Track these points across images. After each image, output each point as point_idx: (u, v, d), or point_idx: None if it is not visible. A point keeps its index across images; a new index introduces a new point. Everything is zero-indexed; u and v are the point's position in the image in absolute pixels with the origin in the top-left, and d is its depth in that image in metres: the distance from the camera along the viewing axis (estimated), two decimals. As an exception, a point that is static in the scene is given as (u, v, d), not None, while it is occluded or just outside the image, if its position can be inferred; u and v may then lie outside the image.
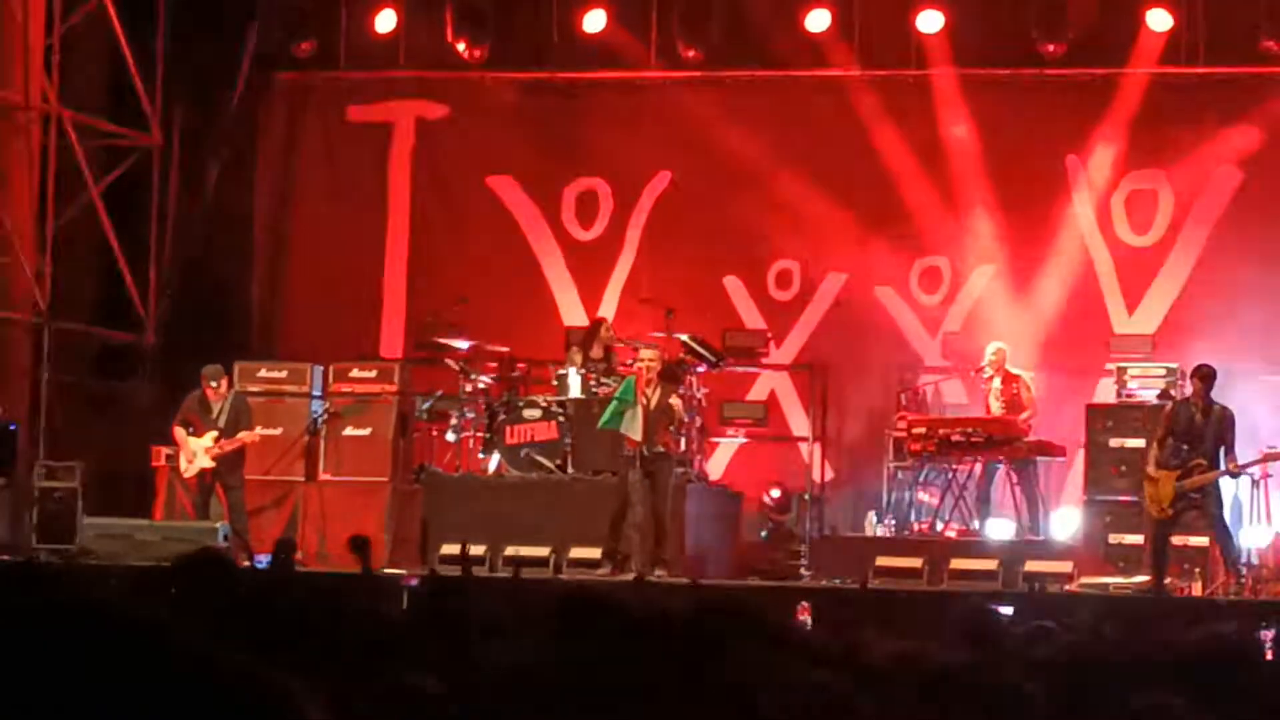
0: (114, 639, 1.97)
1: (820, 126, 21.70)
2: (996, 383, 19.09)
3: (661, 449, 17.78)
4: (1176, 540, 17.18)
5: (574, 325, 21.22)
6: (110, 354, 21.80)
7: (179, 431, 19.10)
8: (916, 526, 19.33)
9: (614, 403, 17.83)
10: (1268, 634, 13.21)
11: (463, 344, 19.89)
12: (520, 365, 20.42)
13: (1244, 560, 17.23)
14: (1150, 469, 16.93)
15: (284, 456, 20.26)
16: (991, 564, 17.70)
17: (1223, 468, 16.70)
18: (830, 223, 21.55)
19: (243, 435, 19.01)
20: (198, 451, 18.94)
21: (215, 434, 18.96)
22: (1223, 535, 16.82)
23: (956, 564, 17.81)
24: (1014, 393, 19.03)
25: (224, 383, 19.23)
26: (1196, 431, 16.64)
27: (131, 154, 21.79)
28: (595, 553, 17.95)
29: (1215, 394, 16.93)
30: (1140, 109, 21.01)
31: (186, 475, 19.14)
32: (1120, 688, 4.50)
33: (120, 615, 2.00)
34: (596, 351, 19.66)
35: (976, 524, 19.00)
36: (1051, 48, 20.96)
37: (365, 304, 22.54)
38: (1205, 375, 16.84)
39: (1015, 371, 19.15)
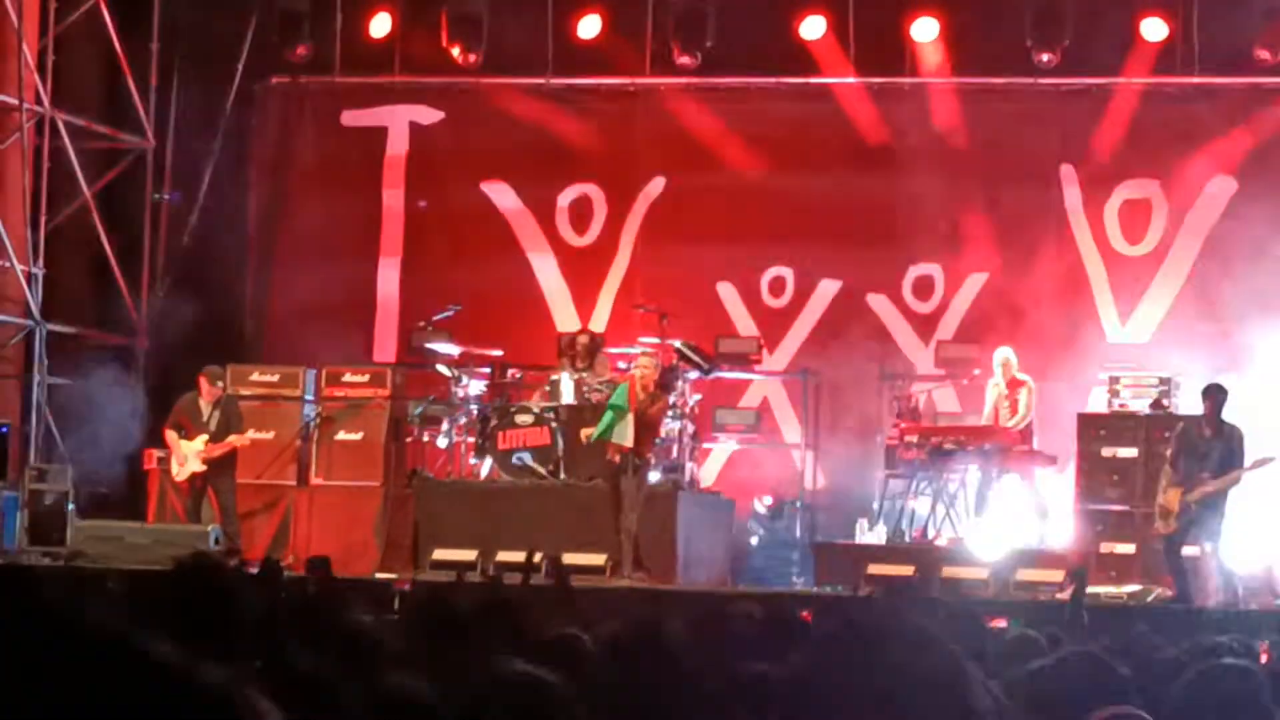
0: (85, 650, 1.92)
1: (814, 133, 21.70)
2: (1002, 387, 19.07)
3: (645, 458, 17.74)
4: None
5: (567, 331, 21.19)
6: (102, 356, 21.75)
7: (170, 435, 19.08)
8: (908, 534, 19.30)
9: (608, 413, 17.72)
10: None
11: (455, 349, 19.87)
12: (513, 370, 20.38)
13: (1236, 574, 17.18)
14: (1159, 491, 16.88)
15: (276, 460, 20.22)
16: (983, 572, 17.69)
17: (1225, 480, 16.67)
18: (823, 230, 21.56)
19: (232, 439, 19.00)
20: (189, 455, 18.92)
21: (206, 437, 18.94)
22: (1216, 549, 16.80)
23: (949, 572, 17.79)
24: (1016, 399, 19.02)
25: (220, 384, 19.26)
26: (1204, 449, 16.62)
27: (125, 156, 21.77)
28: (593, 559, 17.90)
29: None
30: (1134, 118, 21.04)
31: (178, 478, 19.11)
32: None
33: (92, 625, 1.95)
34: (596, 367, 19.58)
35: (972, 521, 18.94)
36: (1046, 56, 20.98)
37: (358, 308, 22.52)
38: (1211, 393, 16.80)
39: (1022, 378, 19.16)
